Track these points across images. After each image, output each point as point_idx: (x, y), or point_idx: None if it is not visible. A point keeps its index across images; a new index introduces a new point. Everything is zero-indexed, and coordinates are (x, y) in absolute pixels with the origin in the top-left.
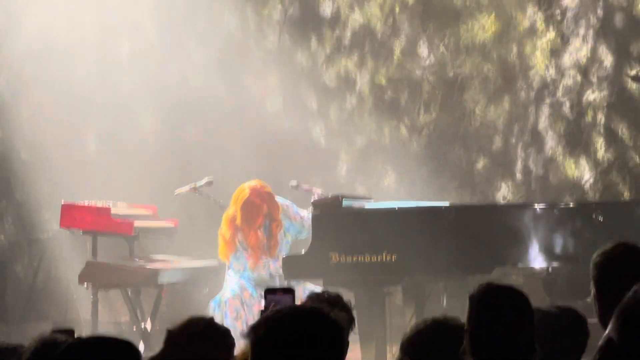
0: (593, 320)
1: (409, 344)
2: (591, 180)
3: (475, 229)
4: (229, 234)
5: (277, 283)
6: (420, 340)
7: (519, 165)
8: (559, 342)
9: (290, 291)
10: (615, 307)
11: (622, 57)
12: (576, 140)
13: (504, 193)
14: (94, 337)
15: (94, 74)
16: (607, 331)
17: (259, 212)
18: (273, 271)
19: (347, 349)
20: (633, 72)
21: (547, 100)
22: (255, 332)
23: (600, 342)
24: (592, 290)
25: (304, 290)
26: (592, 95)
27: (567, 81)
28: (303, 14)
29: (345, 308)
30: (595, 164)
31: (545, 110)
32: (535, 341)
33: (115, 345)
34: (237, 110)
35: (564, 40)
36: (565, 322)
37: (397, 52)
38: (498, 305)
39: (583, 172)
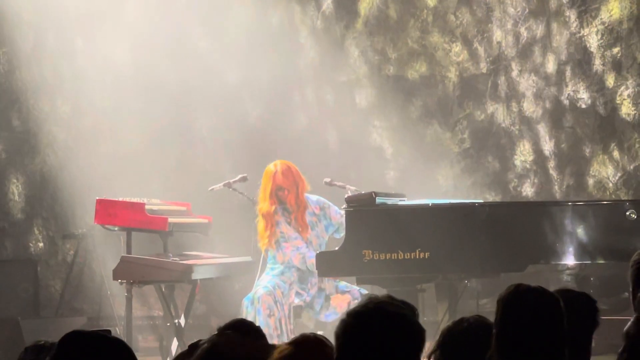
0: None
1: (445, 341)
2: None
3: (509, 227)
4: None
5: (313, 278)
6: (456, 338)
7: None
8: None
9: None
10: None
11: None
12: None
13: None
14: (89, 333)
15: (129, 73)
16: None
17: (271, 180)
18: (310, 266)
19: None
20: None
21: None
22: (343, 327)
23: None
24: (631, 288)
25: (338, 286)
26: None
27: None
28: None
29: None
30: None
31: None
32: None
33: (108, 343)
34: (271, 108)
35: None
36: (570, 302)
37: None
38: (526, 307)
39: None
